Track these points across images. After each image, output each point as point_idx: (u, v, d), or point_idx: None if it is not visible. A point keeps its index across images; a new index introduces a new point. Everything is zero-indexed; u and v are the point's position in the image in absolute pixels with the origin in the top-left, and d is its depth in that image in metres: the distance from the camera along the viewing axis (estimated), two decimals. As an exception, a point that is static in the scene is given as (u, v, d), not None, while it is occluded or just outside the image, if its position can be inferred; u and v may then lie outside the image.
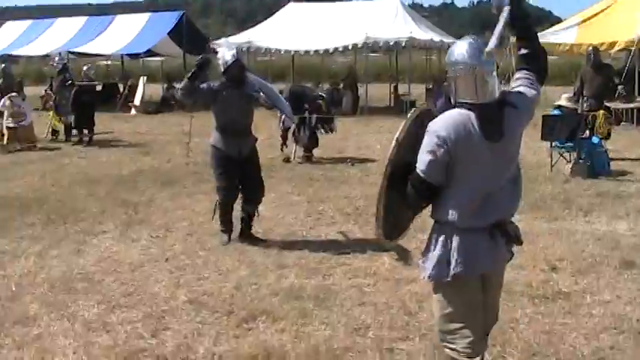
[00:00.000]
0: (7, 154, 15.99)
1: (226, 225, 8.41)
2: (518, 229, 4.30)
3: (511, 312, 6.03)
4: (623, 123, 18.15)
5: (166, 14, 29.34)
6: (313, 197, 10.51)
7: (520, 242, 4.32)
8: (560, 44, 20.94)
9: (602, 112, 13.02)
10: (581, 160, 11.95)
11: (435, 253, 4.11)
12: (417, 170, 4.03)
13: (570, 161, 12.17)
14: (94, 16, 31.43)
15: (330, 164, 13.72)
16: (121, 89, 29.56)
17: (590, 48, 15.60)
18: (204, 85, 8.23)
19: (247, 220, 8.48)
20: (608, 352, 5.23)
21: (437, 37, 25.66)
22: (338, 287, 6.68)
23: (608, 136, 13.03)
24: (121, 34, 28.37)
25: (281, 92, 15.55)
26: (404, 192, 4.12)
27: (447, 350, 4.22)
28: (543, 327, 5.72)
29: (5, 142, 16.71)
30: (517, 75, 4.31)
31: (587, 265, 7.22)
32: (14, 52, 30.31)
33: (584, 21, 20.78)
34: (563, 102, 12.92)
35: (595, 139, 12.27)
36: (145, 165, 14.18)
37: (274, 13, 28.64)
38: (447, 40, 26.88)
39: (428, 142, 3.99)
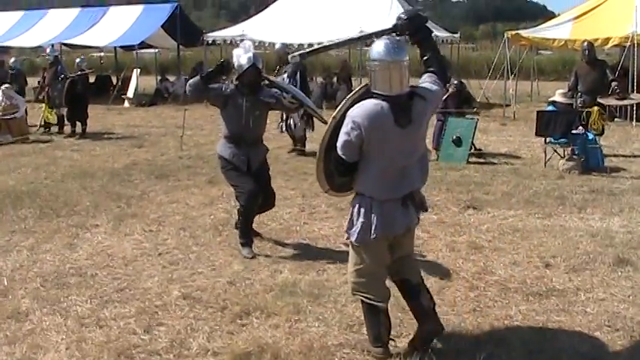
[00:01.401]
0: (-1, 147, 15.90)
1: (247, 236, 7.70)
2: (424, 197, 5.18)
3: (505, 309, 6.05)
4: (616, 119, 18.17)
5: (160, 6, 29.20)
6: (307, 192, 10.47)
7: (425, 209, 5.21)
8: (554, 39, 20.92)
9: (596, 107, 13.03)
10: (575, 156, 11.96)
11: (360, 222, 4.93)
12: (337, 148, 4.83)
13: (564, 157, 12.17)
14: (88, 7, 31.23)
15: (324, 158, 13.67)
16: (114, 81, 29.48)
17: (586, 43, 15.59)
18: (215, 86, 7.63)
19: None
20: (602, 351, 5.23)
21: (431, 32, 25.63)
22: (332, 283, 6.66)
23: (602, 132, 13.04)
24: (115, 26, 28.23)
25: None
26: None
27: (361, 297, 5.12)
28: (537, 324, 5.72)
29: (-3, 134, 16.62)
30: (424, 76, 5.04)
31: (581, 262, 7.22)
32: (6, 44, 30.14)
33: (578, 16, 20.76)
34: (557, 98, 12.91)
35: (589, 135, 12.27)
36: (138, 158, 14.12)
37: (268, 5, 28.56)
38: (442, 34, 26.86)
39: (346, 125, 4.77)
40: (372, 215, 4.89)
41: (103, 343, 5.42)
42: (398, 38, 4.98)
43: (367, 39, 5.55)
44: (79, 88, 17.56)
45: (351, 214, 5.04)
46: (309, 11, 25.63)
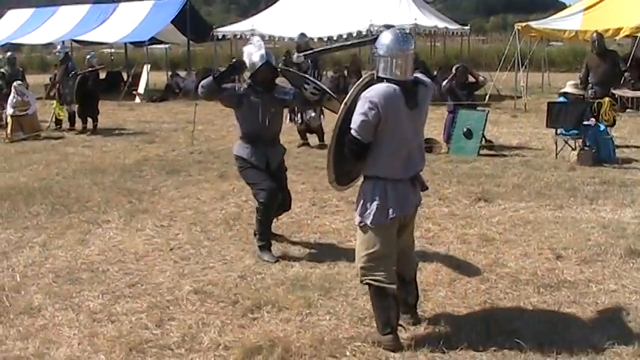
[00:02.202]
0: (11, 144, 15.97)
1: (266, 238, 7.48)
2: (423, 178, 5.45)
3: (516, 301, 6.04)
4: (628, 110, 18.08)
5: (170, 2, 29.23)
6: (318, 186, 10.46)
7: (426, 187, 5.49)
8: (565, 31, 20.82)
9: (607, 99, 12.96)
10: (586, 148, 11.92)
11: (375, 204, 5.10)
12: (352, 130, 5.01)
13: (575, 149, 12.13)
14: (98, 4, 31.32)
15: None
16: (125, 77, 29.54)
17: (595, 34, 15.46)
18: (228, 87, 7.39)
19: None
20: (613, 342, 5.20)
21: (441, 24, 25.58)
22: (343, 277, 6.66)
23: (613, 124, 12.98)
24: (125, 22, 28.30)
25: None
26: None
27: (371, 282, 5.17)
28: (548, 316, 5.71)
29: (9, 131, 16.69)
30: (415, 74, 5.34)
31: (592, 253, 7.20)
32: (17, 41, 30.26)
33: (589, 7, 20.65)
34: (568, 89, 12.84)
35: (601, 127, 12.22)
36: (149, 154, 14.16)
37: (278, 0, 28.57)
38: (452, 26, 26.81)
39: (361, 106, 4.99)
40: (388, 196, 5.09)
41: (115, 338, 5.45)
42: (404, 31, 5.27)
43: (361, 45, 6.10)
44: (89, 84, 17.60)
45: (364, 198, 5.19)
46: (319, 5, 25.63)
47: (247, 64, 7.45)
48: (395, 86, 5.01)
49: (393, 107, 4.97)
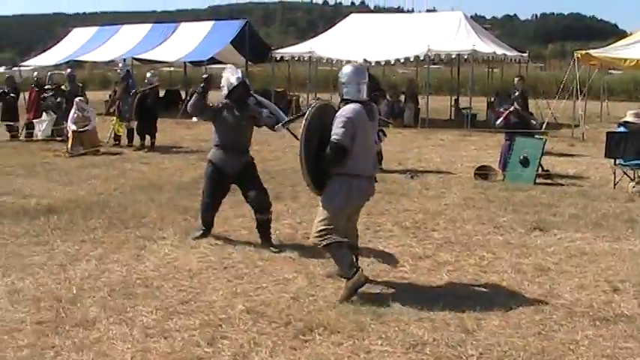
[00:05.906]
0: (71, 158, 16.29)
1: (205, 223, 9.11)
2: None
3: (571, 333, 5.94)
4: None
5: (229, 23, 29.67)
6: (372, 210, 10.42)
7: (376, 180, 7.14)
8: (625, 59, 20.53)
9: (669, 129, 12.72)
10: (646, 179, 11.71)
11: (342, 192, 6.69)
12: (333, 139, 6.52)
13: (634, 179, 11.93)
14: (159, 23, 31.89)
15: (390, 176, 13.61)
16: (183, 96, 29.94)
17: (657, 64, 15.28)
18: (210, 104, 8.99)
19: (264, 227, 8.74)
20: (672, 379, 5.10)
21: (499, 50, 25.45)
22: (395, 302, 6.61)
23: (674, 155, 12.73)
24: (185, 42, 28.76)
25: None
26: (318, 159, 6.68)
27: (331, 241, 6.71)
28: (604, 350, 5.60)
29: (70, 146, 17.04)
30: None
31: (650, 287, 7.05)
32: (80, 58, 30.92)
33: (651, 35, 20.38)
34: (629, 118, 12.66)
35: (661, 158, 12.00)
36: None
37: (336, 23, 28.74)
38: (510, 53, 26.63)
39: (340, 121, 6.56)
40: (352, 187, 6.70)
41: (167, 354, 5.50)
42: (361, 63, 6.54)
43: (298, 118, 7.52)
44: (149, 102, 17.90)
45: (335, 188, 6.71)
46: (377, 30, 25.73)
47: (225, 85, 8.76)
48: (359, 104, 6.67)
49: (362, 120, 6.65)
